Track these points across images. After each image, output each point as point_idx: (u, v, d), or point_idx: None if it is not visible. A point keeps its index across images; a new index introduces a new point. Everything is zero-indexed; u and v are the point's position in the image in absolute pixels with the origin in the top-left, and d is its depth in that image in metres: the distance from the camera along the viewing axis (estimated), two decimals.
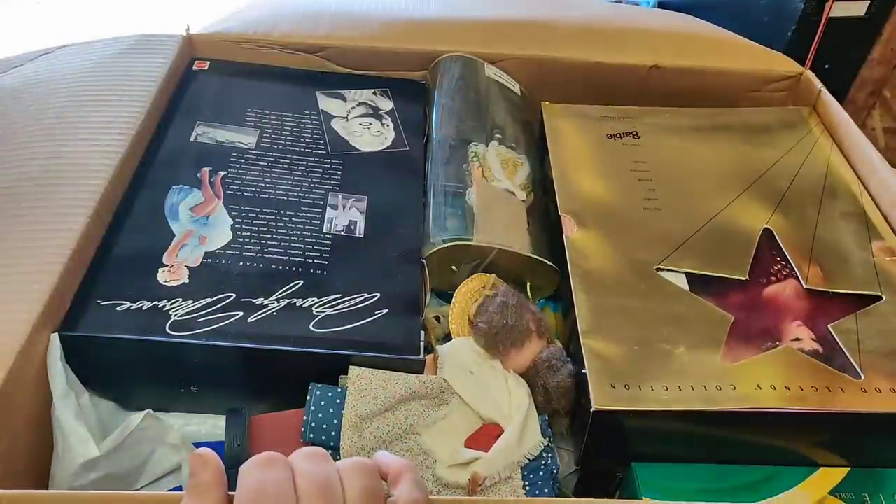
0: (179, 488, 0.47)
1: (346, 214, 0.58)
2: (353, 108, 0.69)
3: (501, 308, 0.52)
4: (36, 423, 0.45)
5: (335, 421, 0.45)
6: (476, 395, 0.49)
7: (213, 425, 0.50)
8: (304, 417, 0.45)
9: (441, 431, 0.47)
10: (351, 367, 0.47)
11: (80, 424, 0.44)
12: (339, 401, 0.46)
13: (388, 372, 0.47)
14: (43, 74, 0.64)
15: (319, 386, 0.47)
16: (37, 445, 0.45)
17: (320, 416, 0.45)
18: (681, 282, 0.54)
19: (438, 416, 0.48)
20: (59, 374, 0.45)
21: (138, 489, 0.48)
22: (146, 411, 0.45)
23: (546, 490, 0.46)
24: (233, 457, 0.44)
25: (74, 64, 0.66)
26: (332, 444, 0.45)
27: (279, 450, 0.45)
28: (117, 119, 0.59)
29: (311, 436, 0.45)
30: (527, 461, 0.46)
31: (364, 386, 0.46)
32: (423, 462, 0.46)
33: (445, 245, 0.56)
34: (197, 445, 0.48)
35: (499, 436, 0.47)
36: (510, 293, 0.54)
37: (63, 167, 0.54)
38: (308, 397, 0.46)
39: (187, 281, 0.51)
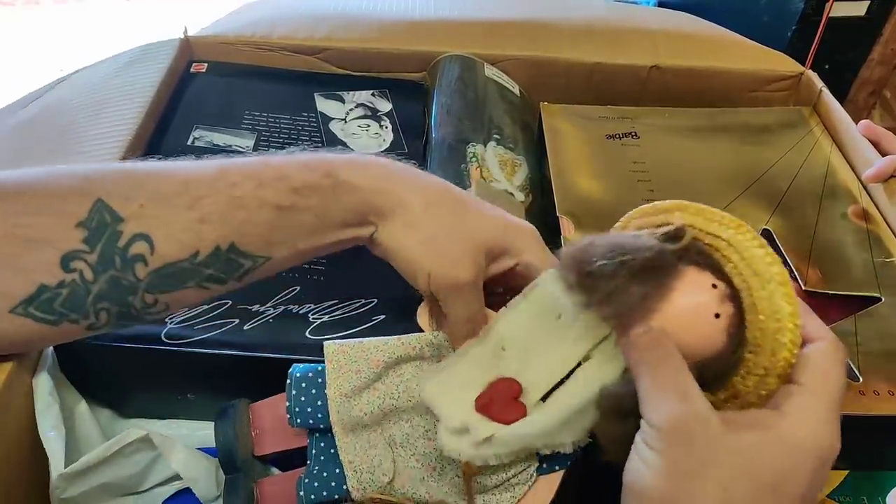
0: (188, 490, 0.47)
1: None
2: (351, 109, 0.69)
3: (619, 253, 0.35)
4: (31, 433, 0.44)
5: (319, 402, 0.43)
6: (535, 349, 0.40)
7: (209, 432, 0.50)
8: (287, 403, 0.43)
9: (445, 384, 0.41)
10: (326, 343, 0.44)
11: (57, 437, 0.43)
12: (320, 380, 0.43)
13: (365, 340, 0.44)
14: (55, 101, 0.65)
15: (300, 367, 0.44)
16: (32, 456, 0.45)
17: (303, 399, 0.43)
18: None
19: (440, 367, 0.42)
20: (44, 384, 0.45)
21: (140, 493, 0.48)
22: (141, 433, 0.45)
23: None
24: (230, 460, 0.44)
25: (83, 84, 0.66)
26: (321, 425, 0.42)
27: (278, 436, 0.45)
28: (115, 127, 0.59)
29: (299, 421, 0.43)
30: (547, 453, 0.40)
31: (343, 361, 0.43)
32: (428, 430, 0.42)
33: None
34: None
35: (516, 398, 0.40)
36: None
37: None
38: (287, 381, 0.43)
39: None
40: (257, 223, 0.38)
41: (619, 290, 0.34)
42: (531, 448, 0.40)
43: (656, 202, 0.39)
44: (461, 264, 0.41)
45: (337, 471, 0.42)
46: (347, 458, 0.42)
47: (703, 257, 0.37)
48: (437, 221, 0.41)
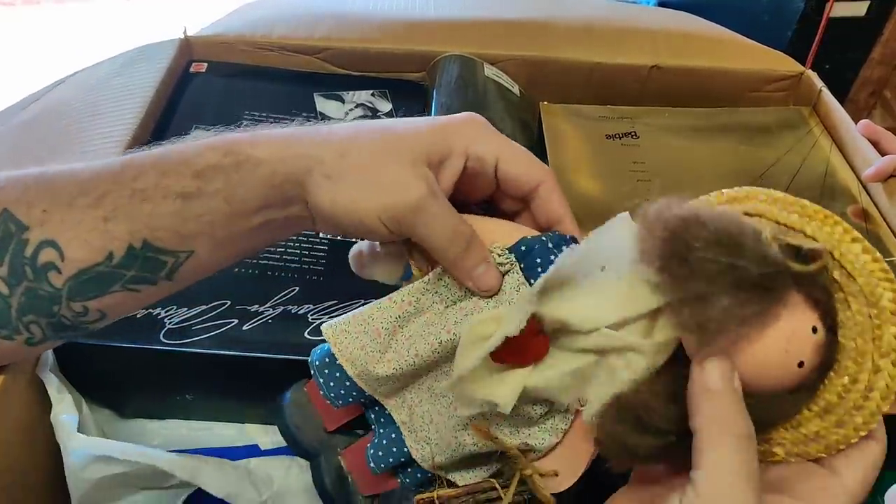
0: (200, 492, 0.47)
1: None
2: (350, 109, 0.69)
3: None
4: (28, 434, 0.45)
5: (348, 382, 0.41)
6: (563, 290, 0.34)
7: (208, 432, 0.50)
8: (321, 392, 0.42)
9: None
10: (323, 326, 0.41)
11: (73, 420, 0.43)
12: (337, 360, 0.41)
13: (360, 311, 0.41)
14: (56, 102, 0.65)
15: (316, 353, 0.42)
16: (29, 458, 0.45)
17: (332, 383, 0.41)
18: None
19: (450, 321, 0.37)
20: (52, 380, 0.45)
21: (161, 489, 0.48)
22: (172, 468, 0.45)
23: None
24: (301, 450, 0.43)
25: (82, 85, 0.66)
26: (362, 399, 0.42)
27: (337, 412, 0.43)
28: (114, 128, 0.59)
29: (340, 402, 0.42)
30: None
31: (345, 341, 0.40)
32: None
33: None
34: (193, 453, 0.48)
35: (538, 332, 0.36)
36: None
37: None
38: (311, 371, 0.42)
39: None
40: (165, 215, 0.35)
41: (713, 300, 0.27)
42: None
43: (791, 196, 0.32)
44: (404, 185, 0.36)
45: (393, 435, 0.42)
46: (400, 418, 0.41)
47: (820, 290, 0.30)
48: (357, 159, 0.36)
